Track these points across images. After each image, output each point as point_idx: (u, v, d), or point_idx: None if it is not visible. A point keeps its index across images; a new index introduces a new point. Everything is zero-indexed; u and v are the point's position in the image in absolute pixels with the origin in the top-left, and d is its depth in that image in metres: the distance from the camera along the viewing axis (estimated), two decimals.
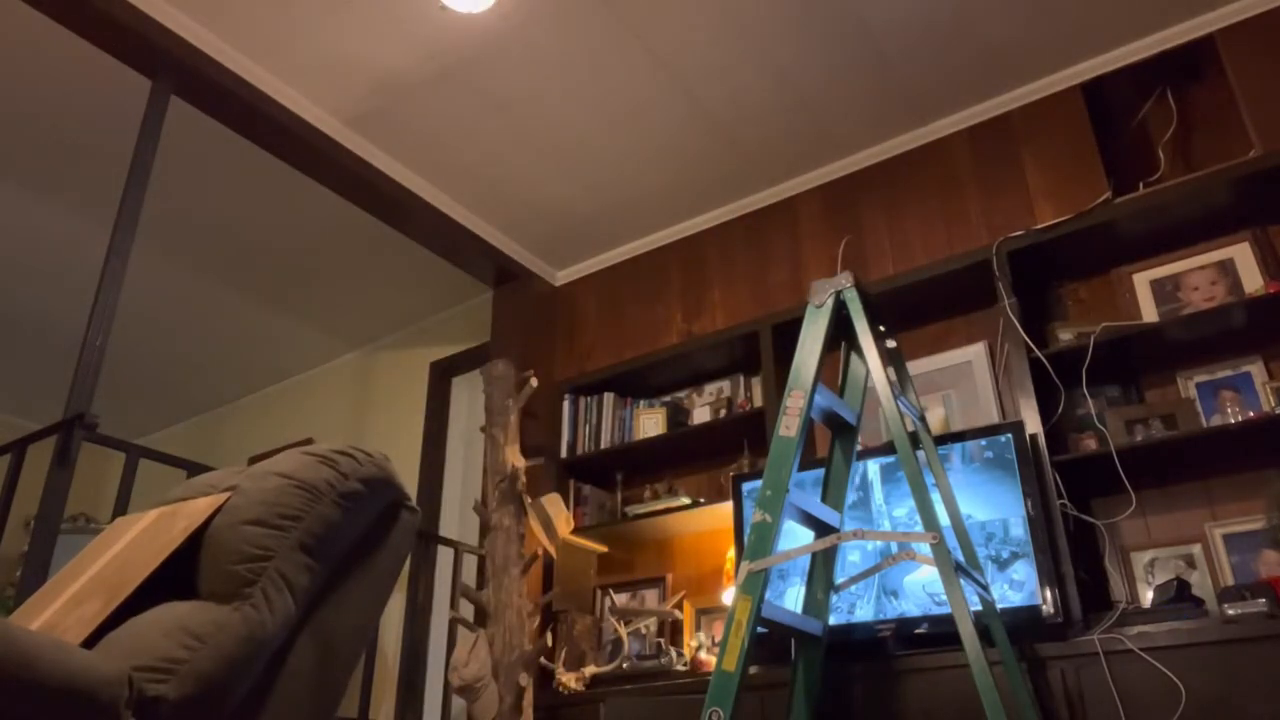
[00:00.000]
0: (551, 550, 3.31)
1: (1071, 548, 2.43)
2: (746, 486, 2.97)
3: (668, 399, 3.72)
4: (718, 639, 3.11)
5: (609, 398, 3.70)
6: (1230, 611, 2.12)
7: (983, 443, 2.61)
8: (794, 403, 2.22)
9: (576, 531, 3.47)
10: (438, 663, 3.82)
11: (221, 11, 2.82)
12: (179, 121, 2.99)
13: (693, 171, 3.58)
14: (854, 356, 2.56)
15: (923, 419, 2.45)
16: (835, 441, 2.48)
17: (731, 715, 1.84)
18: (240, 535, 1.36)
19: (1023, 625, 2.34)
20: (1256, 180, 2.60)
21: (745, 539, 2.61)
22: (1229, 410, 2.58)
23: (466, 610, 3.76)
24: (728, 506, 3.14)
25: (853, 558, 2.67)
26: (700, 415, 3.49)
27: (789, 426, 2.17)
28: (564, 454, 3.67)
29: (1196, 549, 2.53)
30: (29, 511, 2.49)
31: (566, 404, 3.76)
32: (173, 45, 2.80)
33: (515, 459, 3.26)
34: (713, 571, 3.32)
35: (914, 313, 3.18)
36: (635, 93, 3.20)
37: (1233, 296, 2.63)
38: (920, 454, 2.41)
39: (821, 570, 2.37)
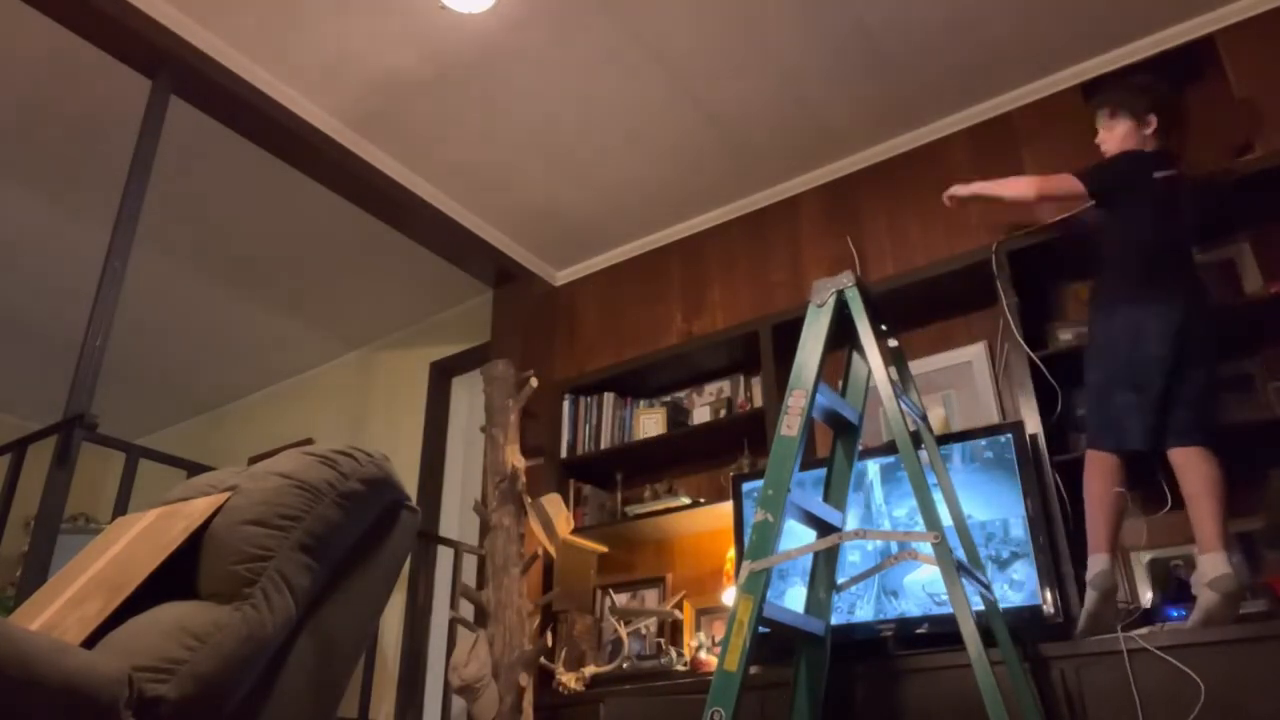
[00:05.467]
0: (551, 550, 3.31)
1: (1071, 548, 2.43)
2: (746, 486, 2.97)
3: (668, 399, 3.72)
4: (718, 639, 3.11)
5: (609, 398, 3.70)
6: None
7: (983, 443, 2.61)
8: (795, 402, 2.22)
9: (576, 531, 3.47)
10: (438, 663, 3.81)
11: (221, 11, 2.82)
12: (179, 121, 2.99)
13: (693, 171, 3.58)
14: (855, 356, 2.55)
15: (924, 418, 2.45)
16: (837, 441, 2.48)
17: (733, 715, 1.84)
18: (240, 535, 1.36)
19: (1024, 625, 2.34)
20: (1256, 180, 2.60)
21: (746, 539, 2.61)
22: (1230, 410, 2.57)
23: (466, 610, 3.76)
24: (728, 506, 3.14)
25: (853, 558, 2.67)
26: (700, 415, 3.49)
27: (790, 426, 2.17)
28: (564, 454, 3.67)
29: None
30: (29, 511, 2.48)
31: (566, 404, 3.75)
32: (173, 45, 2.80)
33: (515, 459, 3.26)
34: (713, 571, 3.32)
35: (914, 313, 3.17)
36: (635, 93, 3.20)
37: (1232, 296, 2.63)
38: (922, 453, 2.41)
39: (824, 570, 2.37)
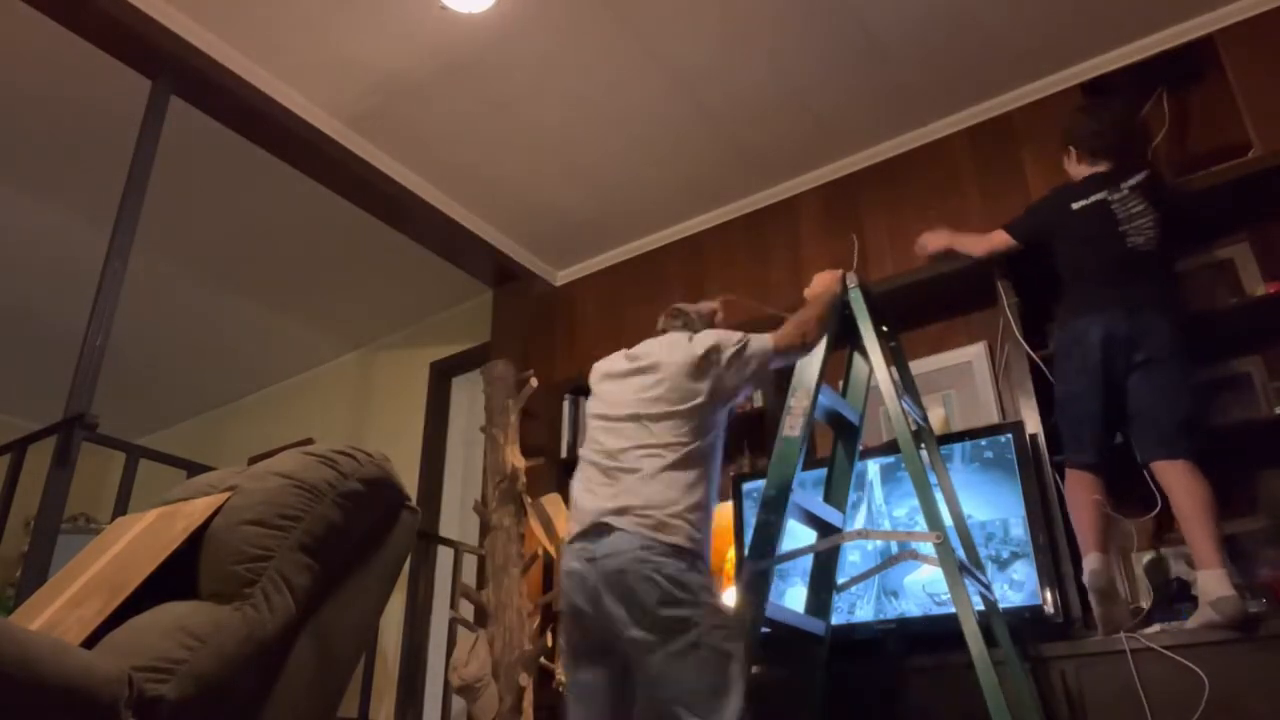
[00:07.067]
0: (551, 550, 3.31)
1: (1071, 548, 2.43)
2: (747, 486, 2.97)
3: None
4: None
5: None
6: None
7: (983, 443, 2.61)
8: (798, 403, 2.22)
9: None
10: (438, 663, 3.81)
11: (221, 11, 2.82)
12: (179, 121, 2.99)
13: (693, 171, 3.58)
14: (857, 356, 2.56)
15: (925, 418, 2.45)
16: (838, 441, 2.48)
17: None
18: (240, 535, 1.36)
19: (1024, 625, 2.34)
20: (1256, 180, 2.59)
21: (747, 539, 2.61)
22: (1229, 410, 2.57)
23: (466, 610, 3.76)
24: (728, 507, 3.12)
25: (853, 558, 2.66)
26: None
27: (793, 426, 2.17)
28: (564, 454, 3.67)
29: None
30: (29, 511, 2.48)
31: (566, 404, 3.75)
32: (173, 45, 2.80)
33: (515, 459, 3.26)
34: (712, 571, 3.31)
35: (914, 313, 3.16)
36: (635, 93, 3.20)
37: (1233, 297, 2.63)
38: (922, 453, 2.41)
39: (825, 570, 2.37)
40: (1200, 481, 2.19)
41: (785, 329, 2.18)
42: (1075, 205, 2.55)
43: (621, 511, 1.88)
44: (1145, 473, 2.33)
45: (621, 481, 1.93)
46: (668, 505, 1.88)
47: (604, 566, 1.84)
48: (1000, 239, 2.71)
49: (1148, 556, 2.56)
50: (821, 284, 2.43)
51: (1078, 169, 2.67)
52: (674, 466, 1.93)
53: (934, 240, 2.89)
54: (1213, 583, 2.08)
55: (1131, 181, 2.52)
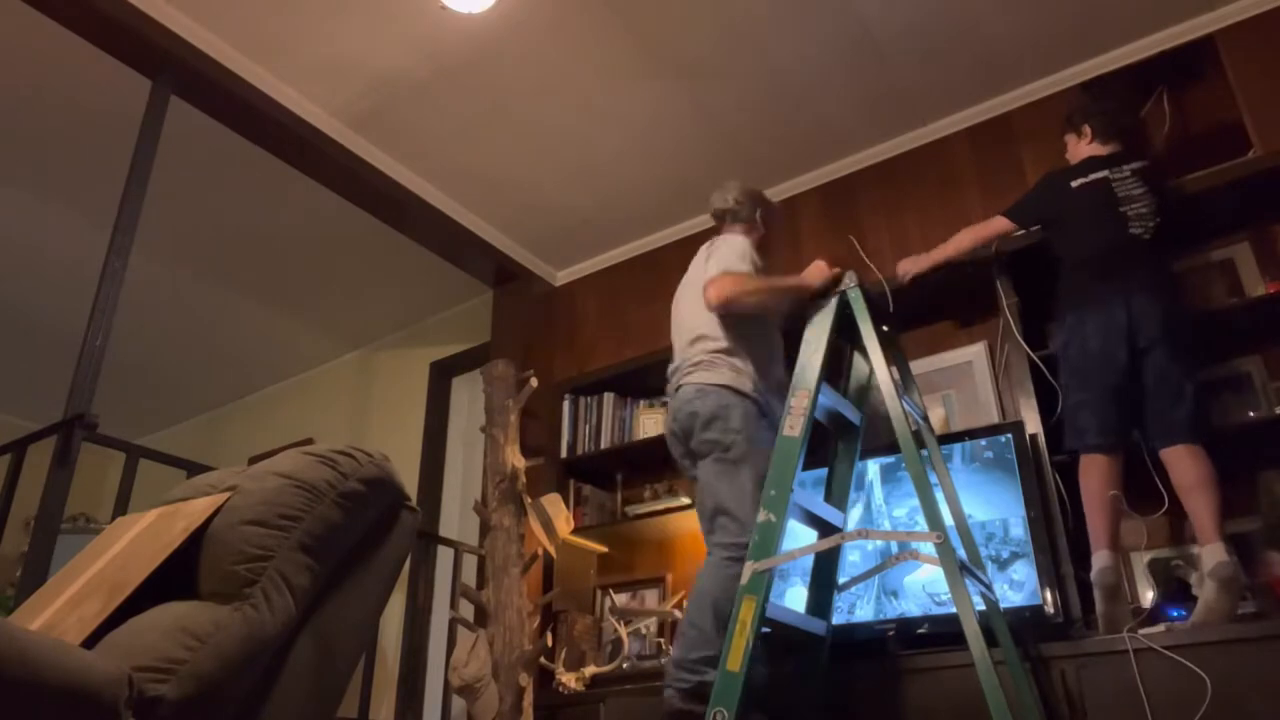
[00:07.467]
0: (551, 550, 3.31)
1: (1071, 548, 2.43)
2: None
3: (668, 399, 3.71)
4: None
5: (609, 398, 3.69)
6: None
7: (983, 443, 2.61)
8: (798, 403, 2.22)
9: (576, 531, 3.46)
10: (438, 663, 3.81)
11: (221, 11, 2.82)
12: (179, 121, 2.99)
13: (693, 171, 3.58)
14: (857, 356, 2.56)
15: (925, 418, 2.45)
16: (838, 441, 2.48)
17: (736, 715, 1.84)
18: (240, 535, 1.35)
19: (1024, 625, 2.34)
20: (1256, 180, 2.60)
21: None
22: (1229, 410, 2.57)
23: (466, 610, 3.76)
24: None
25: (853, 558, 2.66)
26: None
27: (793, 426, 2.17)
28: (564, 454, 3.67)
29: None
30: (29, 511, 2.48)
31: (566, 404, 3.75)
32: (173, 45, 2.80)
33: (515, 459, 3.26)
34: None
35: (914, 313, 3.17)
36: (635, 93, 3.20)
37: (1233, 296, 2.63)
38: (923, 453, 2.41)
39: (825, 570, 2.37)
40: (1203, 461, 2.22)
41: (743, 280, 2.51)
42: (1075, 183, 2.58)
43: (679, 373, 2.60)
44: (1152, 470, 2.34)
45: (682, 353, 2.63)
46: (705, 358, 2.50)
47: (675, 408, 2.55)
48: (1000, 225, 2.71)
49: (1149, 556, 2.56)
50: (814, 272, 2.50)
51: (1082, 149, 2.67)
52: (708, 330, 2.55)
53: (909, 265, 2.90)
54: (1211, 554, 2.12)
55: (1134, 165, 2.55)
